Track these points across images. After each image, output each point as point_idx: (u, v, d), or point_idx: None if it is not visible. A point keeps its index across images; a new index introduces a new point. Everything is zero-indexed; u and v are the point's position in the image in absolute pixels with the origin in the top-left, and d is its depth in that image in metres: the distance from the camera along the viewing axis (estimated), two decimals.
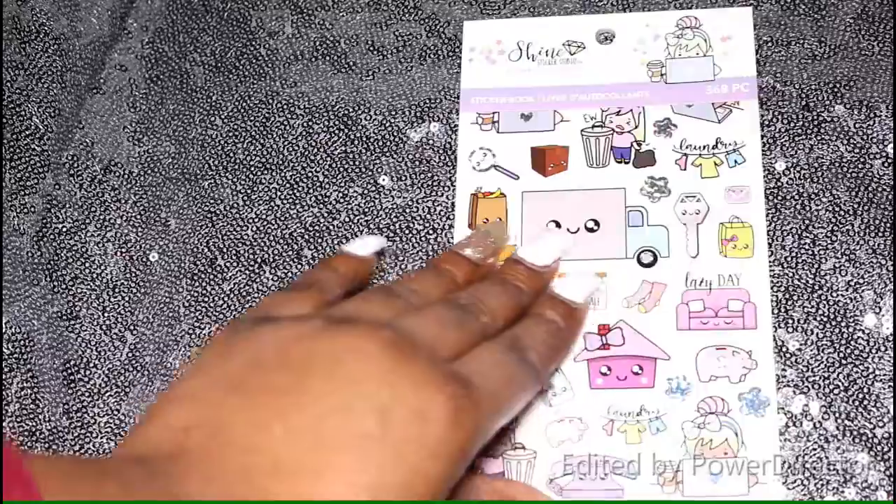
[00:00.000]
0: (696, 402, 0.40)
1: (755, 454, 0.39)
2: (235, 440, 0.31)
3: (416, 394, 0.32)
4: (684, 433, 0.39)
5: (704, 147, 0.44)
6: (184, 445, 0.31)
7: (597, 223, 0.43)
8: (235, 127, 0.47)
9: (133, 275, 0.45)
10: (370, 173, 0.46)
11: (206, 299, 0.45)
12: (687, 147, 0.44)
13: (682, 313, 0.41)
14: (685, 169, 0.43)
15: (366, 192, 0.45)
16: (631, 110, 0.45)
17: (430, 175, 0.45)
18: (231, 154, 0.47)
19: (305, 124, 0.47)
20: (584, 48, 0.46)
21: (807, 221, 0.42)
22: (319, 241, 0.45)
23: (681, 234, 0.42)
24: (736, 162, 0.43)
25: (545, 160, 0.45)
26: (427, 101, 0.47)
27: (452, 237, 0.44)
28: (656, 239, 0.42)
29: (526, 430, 0.40)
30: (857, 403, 0.39)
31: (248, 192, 0.46)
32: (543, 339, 0.38)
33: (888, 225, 0.42)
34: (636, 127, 0.44)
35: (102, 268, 0.46)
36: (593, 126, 0.45)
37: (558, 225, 0.43)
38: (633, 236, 0.43)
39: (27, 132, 0.47)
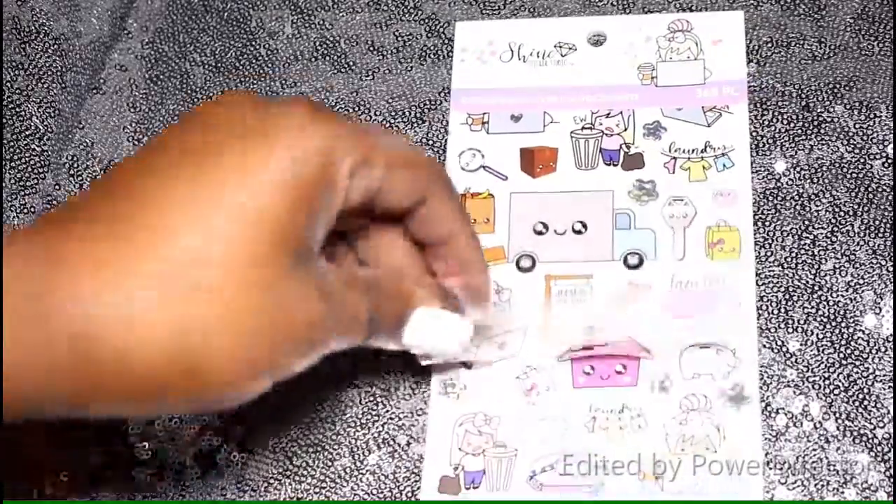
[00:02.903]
0: (679, 399, 0.40)
1: (736, 450, 0.39)
2: (127, 188, 0.32)
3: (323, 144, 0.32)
4: (666, 429, 0.39)
5: (693, 150, 0.44)
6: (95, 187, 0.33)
7: (584, 225, 0.43)
8: None
9: None
10: None
11: None
12: (676, 150, 0.44)
13: (667, 314, 0.41)
14: (673, 172, 0.43)
15: None
16: (621, 112, 0.45)
17: None
18: None
19: None
20: (576, 50, 0.46)
21: (807, 222, 0.42)
22: None
23: (667, 237, 0.42)
24: (724, 166, 0.43)
25: (534, 161, 0.45)
26: (427, 102, 0.47)
27: None
28: (643, 242, 0.42)
29: (507, 429, 0.40)
30: (857, 404, 0.39)
31: None
32: None
33: (888, 225, 0.42)
34: (625, 129, 0.44)
35: None
36: (583, 128, 0.45)
37: (546, 227, 0.43)
38: (620, 239, 0.43)
39: (27, 132, 0.47)
